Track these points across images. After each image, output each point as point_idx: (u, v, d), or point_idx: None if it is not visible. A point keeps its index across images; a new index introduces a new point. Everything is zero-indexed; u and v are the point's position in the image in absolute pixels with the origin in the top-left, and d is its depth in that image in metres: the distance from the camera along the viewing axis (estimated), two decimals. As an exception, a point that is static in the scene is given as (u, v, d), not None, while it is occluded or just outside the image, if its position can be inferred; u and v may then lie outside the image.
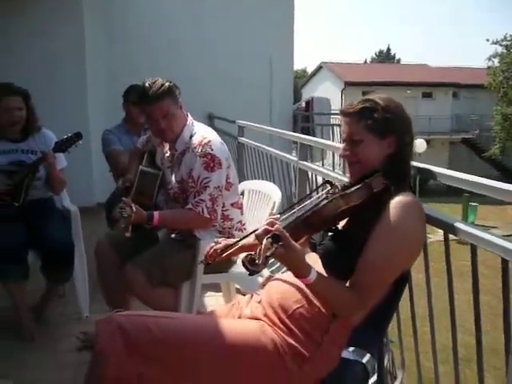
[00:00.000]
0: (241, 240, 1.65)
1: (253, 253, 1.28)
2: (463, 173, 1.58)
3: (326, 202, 1.44)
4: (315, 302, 1.51)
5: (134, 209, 2.21)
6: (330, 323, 1.50)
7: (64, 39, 5.82)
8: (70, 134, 2.92)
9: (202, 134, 2.44)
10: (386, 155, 1.56)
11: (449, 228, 1.54)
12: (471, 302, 1.57)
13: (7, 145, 2.99)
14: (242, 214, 2.63)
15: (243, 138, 5.01)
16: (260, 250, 1.27)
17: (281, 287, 1.63)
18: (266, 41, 7.23)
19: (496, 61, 28.33)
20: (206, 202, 2.37)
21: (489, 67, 28.45)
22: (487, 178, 1.50)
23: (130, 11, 6.67)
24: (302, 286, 1.49)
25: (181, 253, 2.44)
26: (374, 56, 55.85)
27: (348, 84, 29.86)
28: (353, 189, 1.45)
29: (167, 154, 2.59)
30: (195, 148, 2.39)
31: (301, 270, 1.40)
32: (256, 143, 4.53)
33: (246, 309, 1.69)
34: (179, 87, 2.46)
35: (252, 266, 1.26)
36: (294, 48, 7.59)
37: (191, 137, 2.45)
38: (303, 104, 9.59)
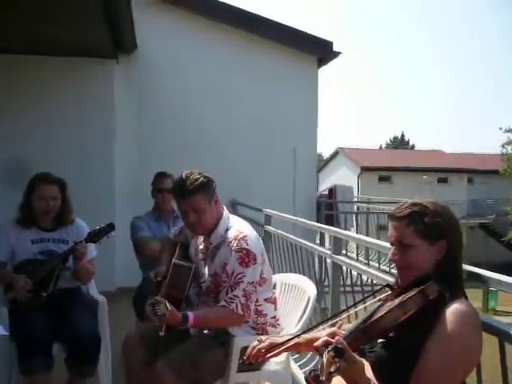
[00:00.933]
0: (288, 341, 1.59)
1: (315, 368, 1.22)
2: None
3: (384, 312, 1.39)
4: None
5: (169, 307, 2.15)
6: None
7: (96, 128, 6.16)
8: (102, 225, 2.94)
9: (237, 228, 2.44)
10: (436, 259, 1.53)
11: (505, 336, 1.48)
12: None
13: (39, 233, 3.01)
14: (275, 309, 2.56)
15: (270, 227, 4.98)
16: (322, 364, 1.21)
17: None
18: (290, 132, 7.47)
19: (510, 148, 28.79)
20: (239, 298, 2.31)
21: (503, 154, 28.82)
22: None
23: (161, 98, 6.94)
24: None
25: (213, 350, 2.36)
26: (389, 142, 56.86)
27: (364, 169, 30.28)
28: (407, 296, 1.41)
29: (201, 247, 2.58)
30: (230, 242, 2.37)
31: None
32: (283, 233, 4.51)
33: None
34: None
35: None
36: (317, 139, 7.82)
37: (227, 230, 2.44)
38: (326, 191, 9.74)
